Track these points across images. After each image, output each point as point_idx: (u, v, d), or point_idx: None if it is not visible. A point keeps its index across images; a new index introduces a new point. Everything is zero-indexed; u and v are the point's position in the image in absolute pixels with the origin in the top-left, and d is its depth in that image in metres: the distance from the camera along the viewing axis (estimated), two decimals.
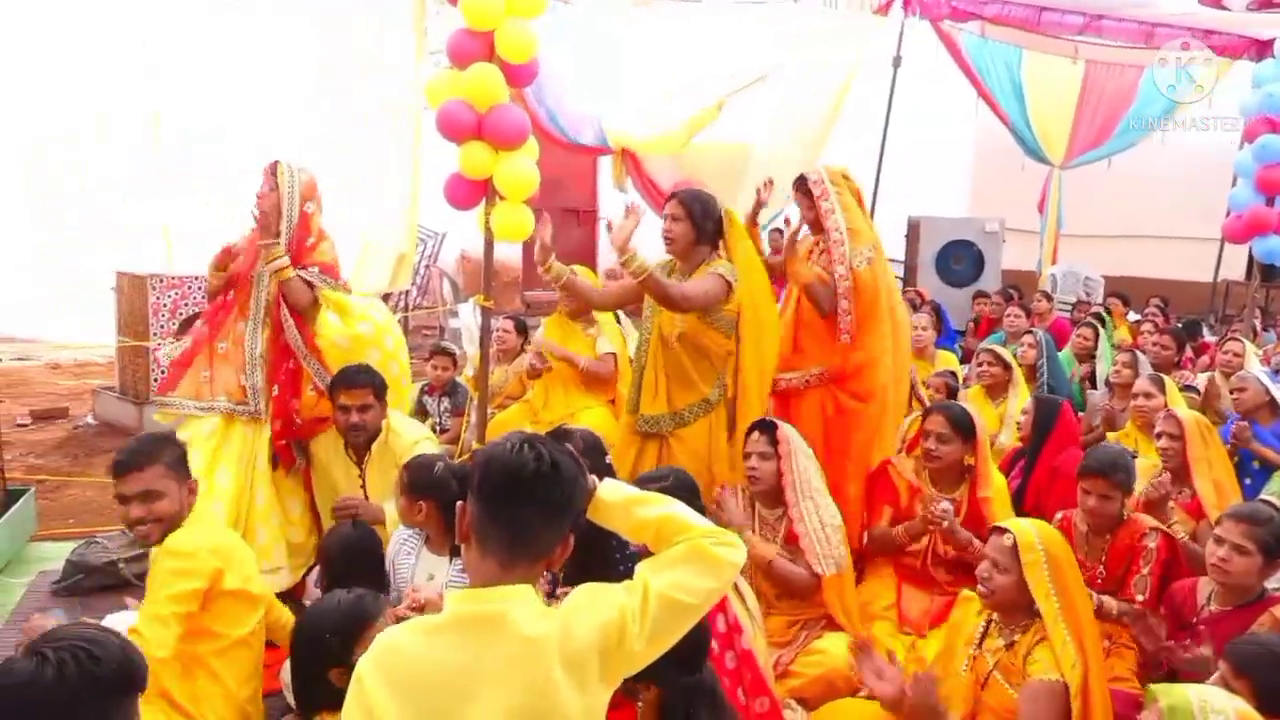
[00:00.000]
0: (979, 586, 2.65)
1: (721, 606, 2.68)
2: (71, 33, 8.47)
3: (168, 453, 2.78)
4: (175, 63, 8.60)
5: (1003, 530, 2.65)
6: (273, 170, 3.96)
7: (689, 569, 1.78)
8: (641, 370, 4.00)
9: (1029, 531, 2.60)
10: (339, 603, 2.49)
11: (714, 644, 2.61)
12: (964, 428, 3.76)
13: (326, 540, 3.50)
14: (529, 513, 1.70)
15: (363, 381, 3.83)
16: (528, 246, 8.22)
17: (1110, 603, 3.29)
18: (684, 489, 2.87)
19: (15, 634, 3.73)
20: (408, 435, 3.91)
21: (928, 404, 4.95)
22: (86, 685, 1.66)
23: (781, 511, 3.53)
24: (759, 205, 4.34)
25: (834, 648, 3.29)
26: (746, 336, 3.90)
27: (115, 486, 2.75)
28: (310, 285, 3.96)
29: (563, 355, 5.38)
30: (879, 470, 4.01)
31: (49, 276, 8.36)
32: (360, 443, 3.89)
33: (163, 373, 6.57)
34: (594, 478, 1.87)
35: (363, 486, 3.92)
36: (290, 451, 4.02)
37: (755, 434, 3.59)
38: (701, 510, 2.19)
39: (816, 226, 4.21)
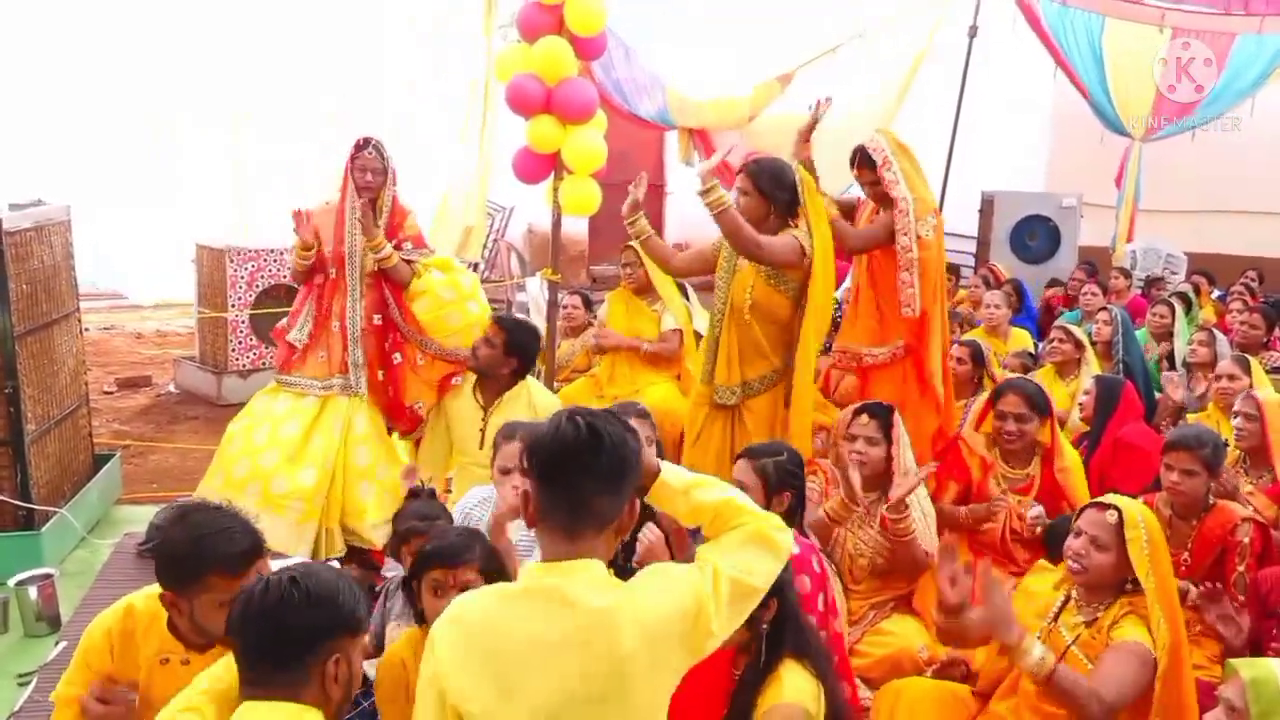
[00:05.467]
0: (1071, 563, 2.57)
1: (822, 585, 2.70)
2: (159, 20, 8.72)
3: None
4: (251, 41, 8.80)
5: (1104, 506, 2.57)
6: (378, 149, 4.07)
7: (753, 552, 1.82)
8: (716, 341, 3.99)
9: (1133, 509, 2.54)
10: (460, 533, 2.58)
11: (811, 620, 2.62)
12: (1040, 405, 3.71)
13: (399, 512, 3.59)
14: (582, 481, 1.72)
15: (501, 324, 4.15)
16: (595, 221, 8.28)
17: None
18: (795, 464, 2.93)
19: (104, 592, 3.91)
20: (543, 398, 4.12)
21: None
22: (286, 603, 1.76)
23: (878, 495, 3.44)
24: (813, 122, 4.13)
25: (902, 629, 3.29)
26: (812, 298, 3.83)
27: None
28: (409, 261, 4.20)
29: (626, 345, 5.31)
30: (949, 445, 3.97)
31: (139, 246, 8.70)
32: (482, 375, 4.14)
33: (240, 343, 6.78)
34: (657, 460, 1.90)
35: (482, 430, 4.11)
36: (414, 417, 4.30)
37: (864, 417, 3.47)
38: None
39: (879, 198, 4.09)
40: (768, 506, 2.79)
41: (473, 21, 6.19)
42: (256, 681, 1.75)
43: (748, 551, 1.81)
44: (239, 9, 8.73)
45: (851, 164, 4.10)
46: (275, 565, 2.51)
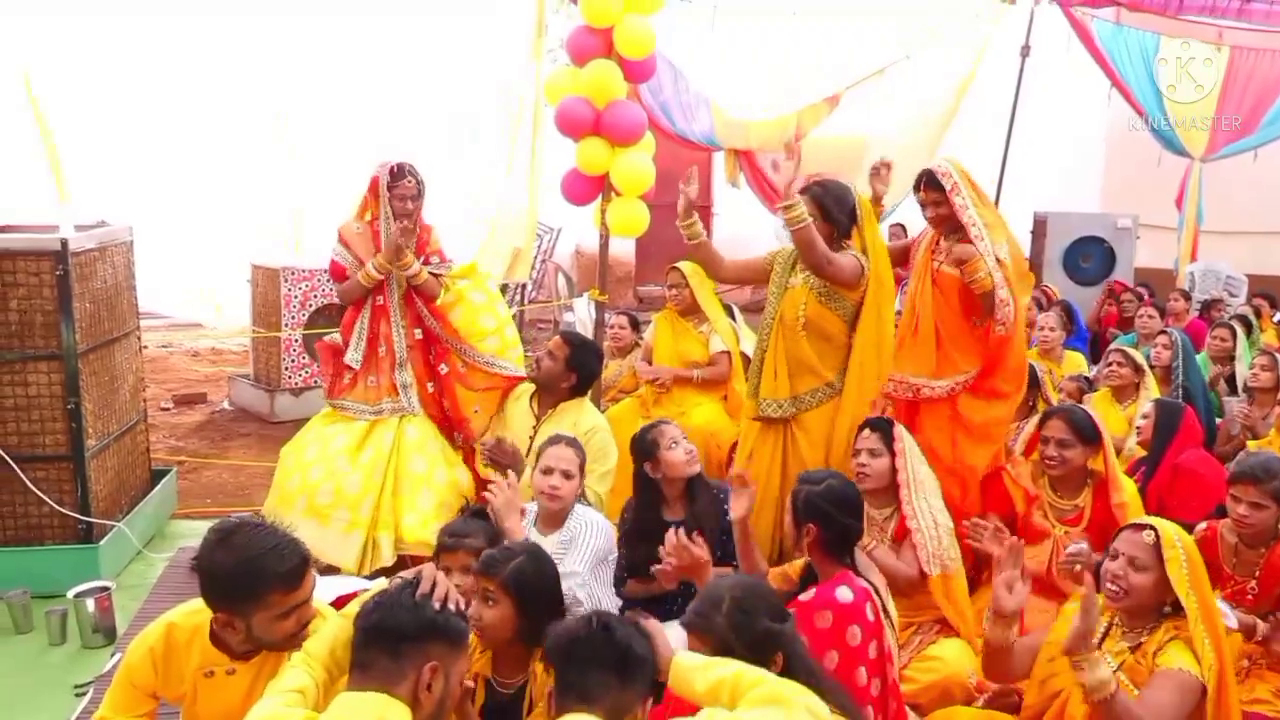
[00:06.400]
0: (1109, 585, 2.52)
1: (876, 633, 2.65)
2: (207, 42, 8.96)
3: None
4: (303, 65, 9.01)
5: (1141, 526, 2.53)
6: (413, 173, 4.16)
7: (760, 709, 1.86)
8: (763, 354, 3.97)
9: (1169, 528, 2.49)
10: (537, 548, 2.66)
11: (863, 670, 2.59)
12: (1086, 432, 3.61)
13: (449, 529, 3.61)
14: (589, 669, 1.90)
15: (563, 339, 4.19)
16: (642, 242, 8.33)
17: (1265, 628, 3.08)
18: (830, 499, 2.86)
19: (159, 605, 3.98)
20: (590, 418, 4.09)
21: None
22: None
23: (890, 511, 3.47)
24: (878, 197, 4.26)
25: (950, 654, 3.22)
26: (865, 323, 3.81)
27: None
28: (437, 275, 4.29)
29: (678, 377, 5.23)
30: (993, 476, 3.89)
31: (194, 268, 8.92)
32: (541, 387, 4.16)
33: (293, 361, 6.89)
34: (671, 647, 2.06)
35: (531, 439, 4.13)
36: (467, 425, 4.36)
37: (867, 431, 3.54)
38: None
39: (942, 222, 3.97)
40: (798, 536, 2.83)
41: (524, 41, 6.27)
42: (359, 664, 1.87)
43: (756, 709, 1.86)
44: (289, 31, 8.94)
45: (916, 187, 4.03)
46: (326, 581, 2.57)
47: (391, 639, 1.85)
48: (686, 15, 7.95)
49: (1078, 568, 3.42)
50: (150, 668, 2.31)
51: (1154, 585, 2.46)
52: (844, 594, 2.66)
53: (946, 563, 3.37)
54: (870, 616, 2.65)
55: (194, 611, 2.33)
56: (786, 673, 2.19)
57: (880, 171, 4.30)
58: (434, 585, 1.94)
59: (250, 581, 2.13)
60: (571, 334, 4.34)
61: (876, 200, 4.23)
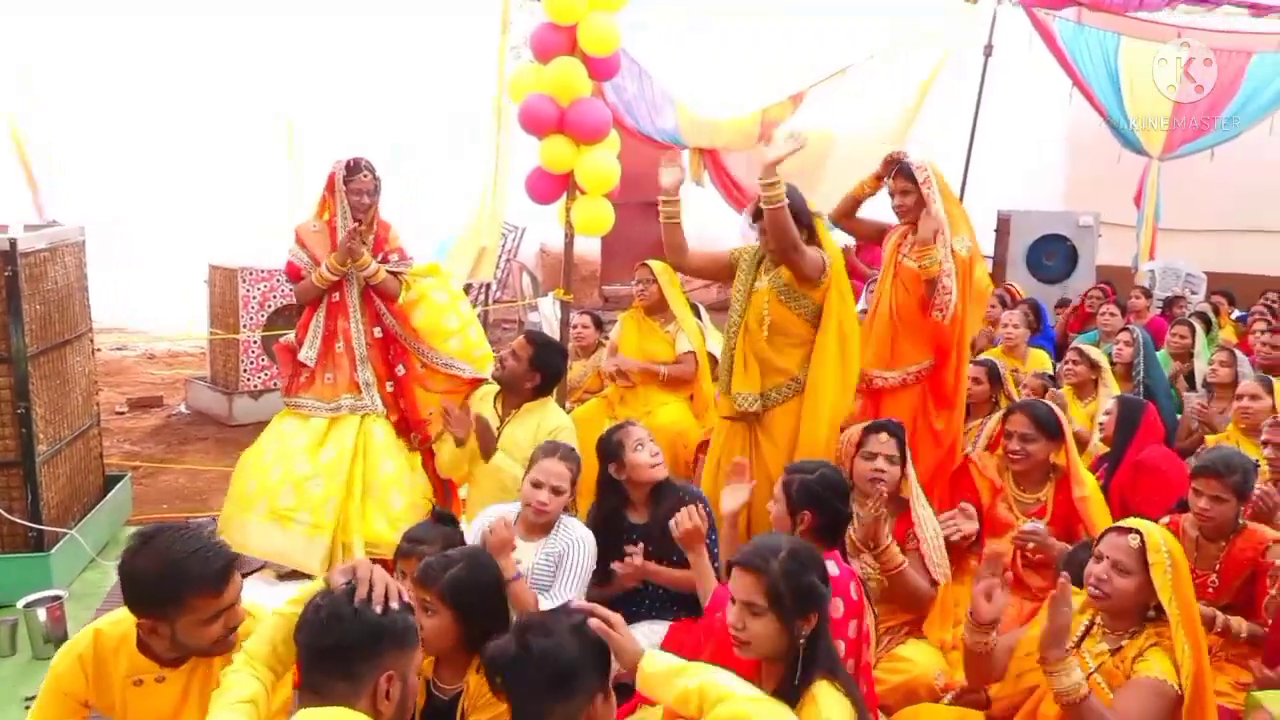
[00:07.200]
0: (1091, 588, 2.52)
1: (857, 613, 2.67)
2: (208, 43, 8.83)
3: None
4: (303, 65, 8.92)
5: (1127, 530, 2.52)
6: (370, 169, 4.10)
7: None
8: (730, 353, 3.97)
9: (1155, 533, 2.49)
10: (476, 555, 2.62)
11: (840, 645, 2.59)
12: (1049, 426, 3.66)
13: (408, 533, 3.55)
14: (525, 692, 1.90)
15: (528, 338, 4.13)
16: (607, 241, 8.28)
17: (1239, 624, 3.12)
18: (824, 485, 2.91)
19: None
20: (555, 418, 4.04)
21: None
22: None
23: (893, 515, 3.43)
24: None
25: (918, 655, 3.22)
26: (829, 327, 3.82)
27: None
28: (396, 274, 4.24)
29: (644, 370, 5.20)
30: (960, 469, 3.94)
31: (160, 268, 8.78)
32: (505, 387, 4.11)
33: (251, 363, 6.78)
34: (638, 648, 2.02)
35: (495, 438, 4.05)
36: (424, 427, 4.32)
37: (884, 435, 3.47)
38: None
39: (908, 212, 4.09)
40: (792, 525, 2.87)
41: (488, 38, 6.21)
42: (311, 687, 1.80)
43: None
44: (289, 32, 8.84)
45: (889, 174, 4.14)
46: (294, 586, 2.50)
47: (341, 659, 1.78)
48: (651, 13, 7.91)
49: (1030, 545, 3.44)
50: (80, 675, 2.25)
51: (1136, 589, 2.46)
52: (830, 567, 2.69)
53: (946, 569, 3.40)
54: (854, 595, 2.68)
55: (120, 620, 2.27)
56: (814, 639, 2.23)
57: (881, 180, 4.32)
58: (371, 586, 1.87)
59: (173, 585, 2.08)
60: (536, 334, 4.29)
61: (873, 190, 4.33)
